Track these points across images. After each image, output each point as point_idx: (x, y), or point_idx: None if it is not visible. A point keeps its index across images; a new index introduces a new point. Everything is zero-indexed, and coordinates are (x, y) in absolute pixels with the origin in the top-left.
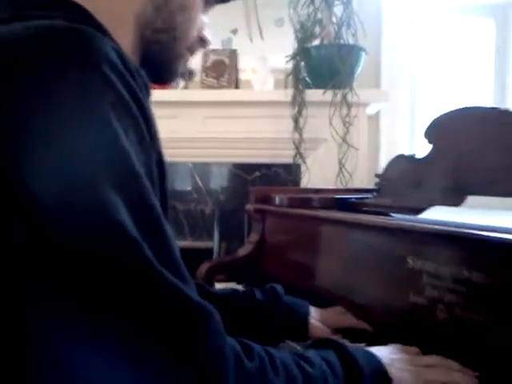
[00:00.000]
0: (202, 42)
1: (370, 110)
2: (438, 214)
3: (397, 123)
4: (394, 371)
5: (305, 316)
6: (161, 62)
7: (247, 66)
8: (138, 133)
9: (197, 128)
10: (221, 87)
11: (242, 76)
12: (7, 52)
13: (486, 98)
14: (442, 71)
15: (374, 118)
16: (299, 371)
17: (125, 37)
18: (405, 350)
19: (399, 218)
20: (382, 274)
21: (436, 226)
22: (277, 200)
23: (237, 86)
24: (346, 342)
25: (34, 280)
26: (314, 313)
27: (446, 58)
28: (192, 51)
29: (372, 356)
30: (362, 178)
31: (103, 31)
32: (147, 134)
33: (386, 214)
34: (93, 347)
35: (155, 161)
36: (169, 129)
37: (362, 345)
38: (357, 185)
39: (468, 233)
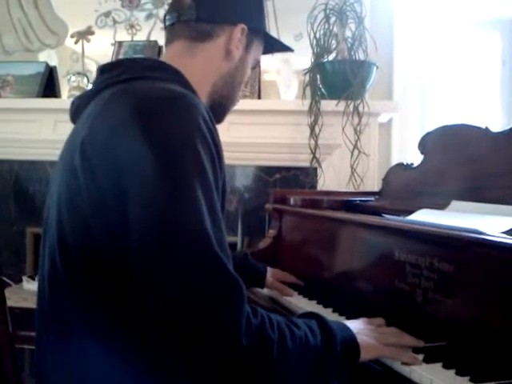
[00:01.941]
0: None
1: (382, 118)
2: (424, 216)
3: (408, 130)
4: (360, 337)
5: (263, 273)
6: (218, 114)
7: (272, 68)
8: (213, 161)
9: (222, 133)
10: (244, 97)
11: (267, 77)
12: (140, 103)
13: (492, 109)
14: (451, 82)
15: (387, 126)
16: (288, 330)
17: (202, 96)
18: (371, 322)
19: (389, 219)
20: (374, 264)
21: (415, 226)
22: (292, 201)
23: (259, 96)
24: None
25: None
26: (270, 271)
27: (455, 70)
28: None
29: (344, 326)
30: (373, 182)
31: (193, 91)
32: (218, 161)
33: (380, 215)
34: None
35: (221, 178)
36: None
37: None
38: (368, 188)
39: (438, 231)
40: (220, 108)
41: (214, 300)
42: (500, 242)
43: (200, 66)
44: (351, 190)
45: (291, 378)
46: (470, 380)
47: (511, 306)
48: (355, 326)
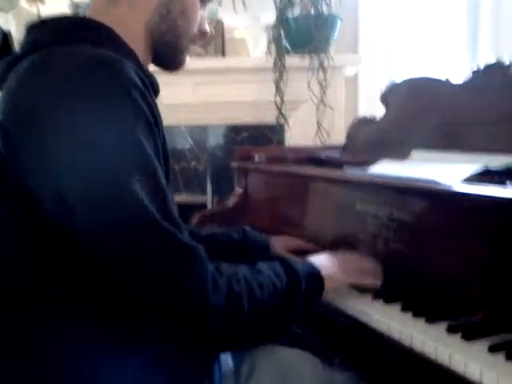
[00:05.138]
0: (203, 34)
1: (348, 72)
2: (384, 167)
3: (374, 83)
4: (324, 269)
5: (266, 243)
6: (168, 56)
7: (241, 25)
8: (150, 129)
9: (187, 94)
10: (207, 54)
11: (237, 34)
12: (64, 75)
13: (458, 56)
14: (416, 32)
15: (353, 80)
16: (255, 280)
17: (139, 42)
18: (334, 254)
19: (349, 172)
20: (337, 216)
21: (373, 178)
22: (256, 158)
23: (223, 54)
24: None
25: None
26: (279, 241)
27: (421, 19)
28: (194, 43)
29: (307, 262)
30: (340, 136)
31: (126, 46)
32: (155, 127)
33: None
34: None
35: (161, 144)
36: (165, 95)
37: None
38: (334, 142)
39: (396, 182)
40: (169, 48)
41: (171, 273)
42: (457, 192)
43: (126, 10)
44: (318, 144)
45: (264, 325)
46: (426, 320)
47: (467, 253)
48: (317, 259)
